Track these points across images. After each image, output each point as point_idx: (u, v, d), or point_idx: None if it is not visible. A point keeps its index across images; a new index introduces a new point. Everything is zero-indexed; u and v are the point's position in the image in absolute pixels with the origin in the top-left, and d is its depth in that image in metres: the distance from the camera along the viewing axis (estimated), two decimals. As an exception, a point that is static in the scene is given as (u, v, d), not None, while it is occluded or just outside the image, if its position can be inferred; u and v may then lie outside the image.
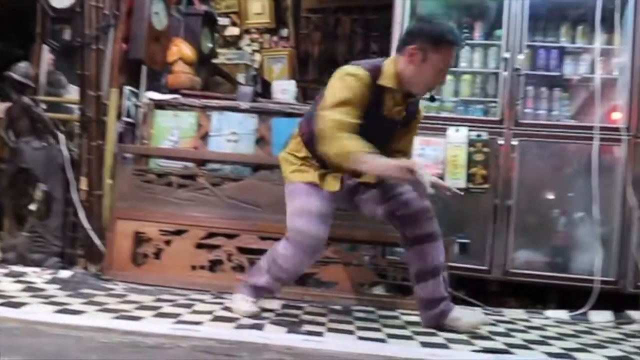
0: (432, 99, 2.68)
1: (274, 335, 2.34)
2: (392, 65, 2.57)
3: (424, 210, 2.69)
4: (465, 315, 2.73)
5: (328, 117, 2.47)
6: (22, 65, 3.72)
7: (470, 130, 3.70)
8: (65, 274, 3.30)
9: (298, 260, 2.62)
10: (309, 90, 5.50)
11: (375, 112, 2.57)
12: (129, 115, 3.78)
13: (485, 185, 3.66)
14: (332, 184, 2.67)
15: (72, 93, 3.89)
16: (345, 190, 2.74)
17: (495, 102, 3.81)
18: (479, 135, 3.69)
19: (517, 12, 3.75)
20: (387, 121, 2.65)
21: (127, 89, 3.73)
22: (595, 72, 3.73)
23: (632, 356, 2.43)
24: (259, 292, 2.77)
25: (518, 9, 3.75)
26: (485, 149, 3.67)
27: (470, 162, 3.65)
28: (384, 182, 2.70)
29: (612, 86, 3.74)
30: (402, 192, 2.69)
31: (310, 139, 2.65)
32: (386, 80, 2.55)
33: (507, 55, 3.74)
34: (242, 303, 2.72)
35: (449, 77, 3.86)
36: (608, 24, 3.76)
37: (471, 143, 3.67)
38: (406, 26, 3.86)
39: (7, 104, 3.78)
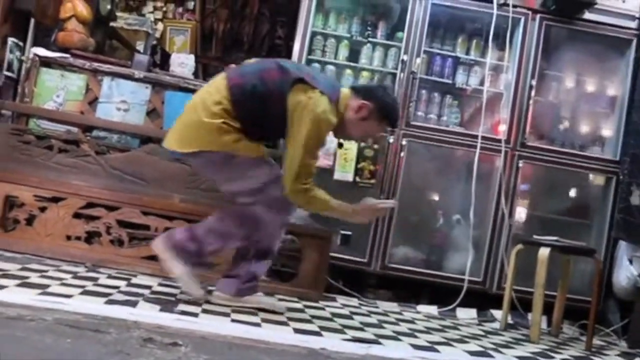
0: (340, 145, 2.91)
1: (146, 313, 2.28)
2: (344, 103, 2.66)
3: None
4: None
5: (305, 190, 2.60)
6: None
7: (364, 126, 3.77)
8: None
9: (281, 224, 2.75)
10: (210, 67, 5.40)
11: None
12: (10, 70, 3.53)
13: (372, 181, 3.76)
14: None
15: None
16: None
17: (390, 101, 3.91)
18: (371, 132, 3.78)
19: (419, 17, 3.87)
20: None
21: (11, 40, 3.48)
22: (484, 85, 3.93)
23: (489, 351, 2.60)
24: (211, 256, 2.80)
25: (420, 14, 3.87)
26: (375, 146, 3.78)
27: (360, 157, 3.74)
28: None
29: (498, 100, 3.97)
30: None
31: (245, 116, 2.59)
32: (337, 117, 2.63)
33: (405, 57, 3.86)
34: (189, 282, 2.69)
35: (349, 72, 3.98)
36: (500, 42, 3.98)
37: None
38: (312, 15, 3.89)
39: None
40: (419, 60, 3.86)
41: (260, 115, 2.58)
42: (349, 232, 3.69)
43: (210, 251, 2.72)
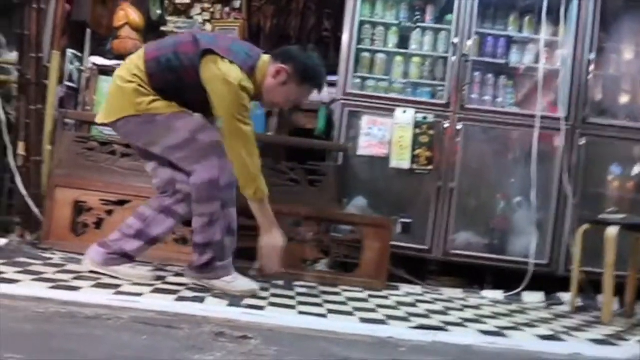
0: (268, 114, 2.95)
1: (215, 308, 2.33)
2: (263, 69, 2.64)
3: None
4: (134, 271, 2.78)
5: (253, 163, 2.58)
6: (-44, 21, 3.53)
7: (417, 112, 3.75)
8: (0, 241, 3.19)
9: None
10: (259, 64, 5.43)
11: None
12: (71, 80, 3.65)
13: (429, 167, 3.73)
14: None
15: (10, 53, 3.71)
16: None
17: (442, 85, 3.87)
18: (425, 118, 3.75)
19: (468, -2, 3.80)
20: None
21: (70, 52, 3.60)
22: (539, 63, 3.83)
23: (560, 335, 2.54)
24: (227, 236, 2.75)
25: (470, -5, 3.80)
26: (431, 132, 3.74)
27: (416, 144, 3.71)
28: None
29: (554, 77, 3.86)
30: None
31: (161, 88, 2.62)
32: (254, 88, 2.62)
33: (456, 40, 3.80)
34: (240, 282, 2.71)
35: (399, 59, 3.94)
36: (554, 17, 3.87)
37: (417, 125, 3.73)
38: (359, 5, 3.87)
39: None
40: (470, 42, 3.79)
41: (176, 87, 2.61)
42: (409, 220, 3.67)
43: (217, 243, 2.69)
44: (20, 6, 3.37)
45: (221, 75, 2.51)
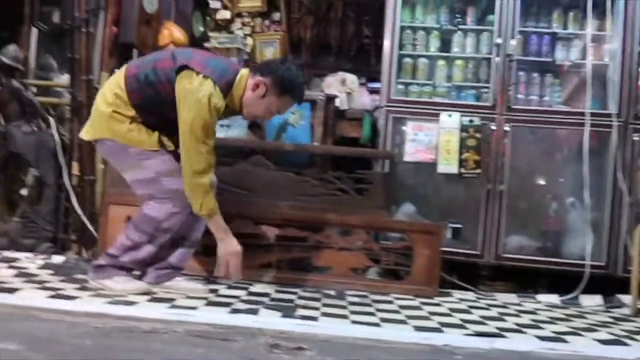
0: (257, 126, 3.08)
1: (269, 320, 2.35)
2: (242, 83, 2.66)
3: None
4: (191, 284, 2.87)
5: (197, 182, 2.57)
6: (11, 48, 3.67)
7: (462, 115, 3.71)
8: (58, 259, 3.29)
9: (184, 218, 2.68)
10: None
11: None
12: (120, 100, 3.74)
13: (478, 171, 3.67)
14: (170, 144, 2.74)
15: (62, 77, 3.84)
16: None
17: (487, 87, 3.82)
18: (471, 121, 3.70)
19: (511, -3, 3.74)
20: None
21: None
22: (587, 59, 3.74)
23: (623, 340, 2.46)
24: (138, 266, 2.79)
25: (512, -5, 3.74)
26: (478, 135, 3.68)
27: (463, 148, 3.67)
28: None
29: (603, 72, 3.75)
30: None
31: (140, 105, 2.66)
32: (235, 101, 2.67)
33: (499, 41, 3.74)
34: (126, 284, 2.72)
35: (442, 63, 3.91)
36: (600, 11, 3.77)
37: (464, 129, 3.68)
38: (399, 11, 3.86)
39: (-4, 88, 3.75)
40: (514, 42, 3.72)
41: (154, 104, 2.64)
42: (459, 225, 3.62)
43: (127, 264, 2.74)
44: (71, 31, 3.48)
45: (192, 89, 2.55)
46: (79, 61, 3.47)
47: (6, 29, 6.24)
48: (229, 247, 2.69)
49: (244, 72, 2.70)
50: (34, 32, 3.89)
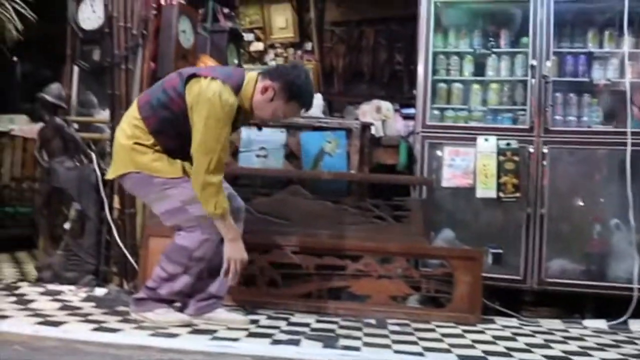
0: (259, 127, 3.06)
1: (311, 351, 2.34)
2: (250, 86, 2.69)
3: (237, 208, 2.85)
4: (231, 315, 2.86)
5: (209, 181, 2.59)
6: (54, 86, 3.78)
7: (499, 139, 3.67)
8: (100, 291, 3.33)
9: (215, 244, 2.71)
10: (335, 102, 5.52)
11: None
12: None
13: (517, 194, 3.62)
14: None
15: (103, 113, 3.94)
16: None
17: (524, 110, 3.78)
18: (508, 144, 3.66)
19: (543, 19, 3.72)
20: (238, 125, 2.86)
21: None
22: (624, 76, 3.68)
23: (678, 366, 2.37)
24: (176, 297, 2.81)
25: (544, 16, 3.72)
26: (516, 158, 3.64)
27: (501, 171, 3.62)
28: None
29: (642, 90, 3.69)
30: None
31: (157, 129, 2.69)
32: (244, 102, 2.70)
33: (534, 62, 3.71)
34: (167, 316, 2.75)
35: (476, 87, 3.89)
36: (636, 28, 3.73)
37: (501, 152, 3.64)
38: (431, 36, 3.86)
39: (39, 125, 3.85)
40: (549, 63, 3.69)
41: (171, 124, 2.67)
42: (500, 250, 3.56)
43: (165, 296, 2.76)
44: (110, 68, 3.58)
45: (201, 91, 2.59)
46: (119, 97, 3.56)
47: (49, 68, 6.48)
48: (237, 251, 2.70)
49: (252, 74, 2.75)
50: (75, 70, 4.00)
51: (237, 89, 2.66)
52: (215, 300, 2.83)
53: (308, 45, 5.76)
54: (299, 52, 5.75)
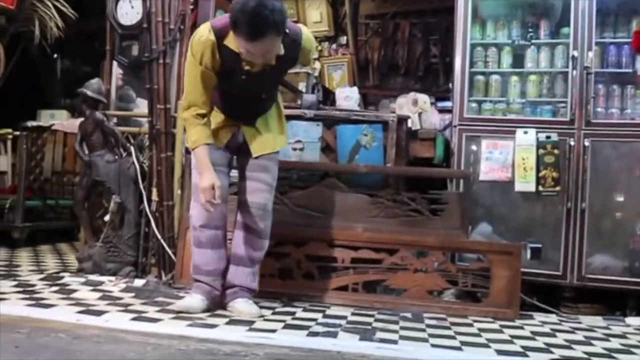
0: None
1: (348, 343, 2.34)
2: None
3: (254, 204, 2.83)
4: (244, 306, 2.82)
5: (181, 116, 2.85)
6: (94, 81, 3.85)
7: (539, 132, 3.60)
8: (139, 282, 3.40)
9: (207, 210, 2.76)
10: (369, 96, 5.49)
11: (236, 69, 2.67)
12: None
13: (557, 188, 3.55)
14: (223, 138, 2.86)
15: (141, 107, 4.00)
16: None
17: (564, 102, 3.70)
18: (548, 137, 3.59)
19: (585, 9, 3.63)
20: (254, 74, 2.70)
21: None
22: (671, 67, 3.57)
23: None
24: (200, 275, 2.88)
25: (586, 5, 3.62)
26: (556, 151, 3.57)
27: (541, 165, 3.55)
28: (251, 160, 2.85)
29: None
30: (252, 176, 2.85)
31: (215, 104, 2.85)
32: (232, 43, 2.61)
33: (575, 53, 3.62)
34: (185, 300, 2.83)
35: (515, 78, 3.82)
36: (682, 16, 3.61)
37: (541, 145, 3.57)
38: (469, 28, 3.81)
39: (80, 120, 3.93)
40: (591, 54, 3.60)
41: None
42: (539, 245, 3.50)
43: (195, 277, 2.89)
44: (149, 63, 3.63)
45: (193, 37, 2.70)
46: (157, 91, 3.60)
47: (88, 64, 6.61)
48: (202, 182, 2.68)
49: None
50: (115, 65, 4.07)
51: (223, 31, 2.60)
52: (237, 289, 2.86)
53: (343, 39, 5.73)
54: (334, 46, 5.74)
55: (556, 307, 3.45)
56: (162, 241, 3.54)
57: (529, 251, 3.49)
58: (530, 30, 3.86)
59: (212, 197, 2.66)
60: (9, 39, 5.46)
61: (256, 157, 2.86)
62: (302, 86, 5.02)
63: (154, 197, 3.60)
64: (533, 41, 3.84)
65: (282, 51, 2.63)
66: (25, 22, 5.46)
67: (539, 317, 3.24)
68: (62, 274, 3.59)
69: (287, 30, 2.62)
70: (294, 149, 3.66)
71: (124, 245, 3.67)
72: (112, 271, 3.60)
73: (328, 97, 4.71)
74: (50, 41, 5.52)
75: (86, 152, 3.83)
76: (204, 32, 2.63)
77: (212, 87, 2.73)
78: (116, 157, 3.78)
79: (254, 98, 2.82)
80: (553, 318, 3.25)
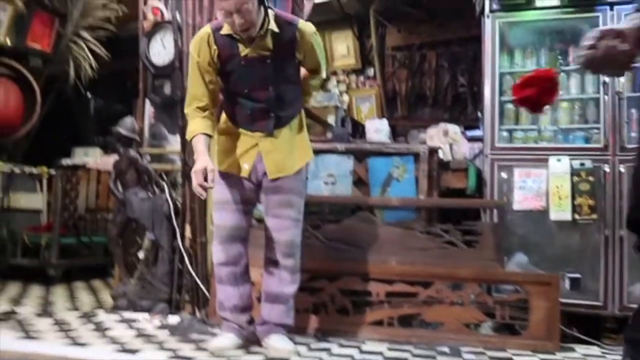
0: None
1: (386, 380, 2.29)
2: None
3: (281, 241, 2.78)
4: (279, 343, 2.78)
5: (185, 112, 2.86)
6: (128, 120, 3.92)
7: (572, 159, 3.55)
8: (173, 319, 3.40)
9: (230, 250, 2.83)
10: (398, 127, 5.49)
11: (234, 56, 2.70)
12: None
13: (593, 216, 3.48)
14: (242, 165, 2.82)
15: (174, 144, 4.05)
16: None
17: (597, 128, 3.65)
18: (582, 164, 3.54)
19: (615, 34, 3.60)
20: (253, 59, 2.70)
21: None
22: None
23: None
24: (225, 311, 2.91)
25: (616, 31, 3.60)
26: (591, 178, 3.51)
27: (576, 192, 3.50)
28: (274, 192, 2.79)
29: None
30: (276, 213, 2.80)
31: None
32: (226, 30, 2.68)
33: (606, 79, 3.59)
34: (218, 340, 2.84)
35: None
36: None
37: (575, 172, 3.52)
38: (497, 57, 3.80)
39: (113, 158, 4.00)
40: (622, 79, 3.56)
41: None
42: (577, 274, 3.42)
43: (221, 315, 2.92)
44: (180, 101, 3.68)
45: None
46: (189, 128, 3.65)
47: (120, 102, 6.75)
48: (195, 166, 2.67)
49: None
50: (147, 103, 4.15)
51: (219, 24, 2.71)
52: (270, 326, 2.83)
53: (370, 71, 5.76)
54: (362, 78, 5.77)
55: (598, 339, 3.35)
56: (195, 277, 3.55)
57: (567, 281, 3.42)
58: (559, 57, 3.85)
59: (203, 181, 2.62)
60: (45, 79, 5.64)
61: (275, 180, 2.78)
62: (331, 119, 5.05)
63: (187, 233, 3.63)
64: (562, 68, 3.81)
65: (271, 26, 2.68)
66: (60, 64, 5.63)
67: (580, 349, 3.15)
68: (96, 311, 3.62)
69: (280, 15, 2.76)
70: (326, 183, 3.67)
71: (158, 282, 3.68)
72: (146, 308, 3.61)
73: (357, 129, 4.73)
74: (84, 81, 5.68)
75: (120, 189, 3.88)
76: (202, 35, 2.76)
77: (214, 83, 2.79)
78: (150, 194, 3.83)
79: (263, 93, 2.74)
80: (595, 350, 3.16)
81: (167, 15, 4.04)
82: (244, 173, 2.79)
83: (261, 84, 2.73)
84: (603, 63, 1.47)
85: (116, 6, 5.58)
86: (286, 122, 2.81)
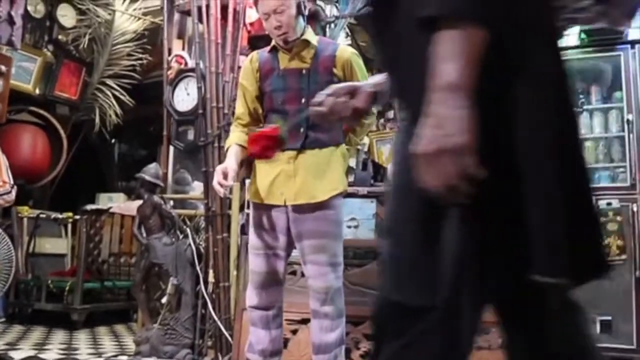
0: None
1: None
2: None
3: (316, 288, 2.70)
4: None
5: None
6: (152, 166, 3.97)
7: (598, 199, 3.50)
8: (196, 366, 3.37)
9: (262, 294, 2.77)
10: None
11: (274, 70, 2.72)
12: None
13: (623, 257, 3.41)
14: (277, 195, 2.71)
15: (197, 189, 4.09)
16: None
17: (623, 167, 3.62)
18: (609, 204, 3.49)
19: (637, 72, 3.60)
20: (291, 70, 2.70)
21: (249, 182, 3.87)
22: None
23: None
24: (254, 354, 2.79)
25: (637, 68, 3.60)
26: (618, 218, 3.46)
27: (604, 233, 3.44)
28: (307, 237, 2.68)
29: None
30: (308, 260, 2.70)
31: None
32: (269, 47, 2.75)
33: (630, 117, 3.57)
34: None
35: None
36: None
37: (602, 213, 3.47)
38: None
39: (137, 203, 4.04)
40: (649, 117, 3.54)
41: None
42: (608, 317, 3.34)
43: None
44: (204, 147, 3.74)
45: None
46: (212, 174, 3.68)
47: (144, 148, 6.87)
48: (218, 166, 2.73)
49: None
50: (171, 149, 4.21)
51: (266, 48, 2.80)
52: None
53: (390, 113, 5.76)
54: (382, 120, 5.74)
55: (633, 384, 3.25)
56: (218, 323, 3.53)
57: (598, 324, 3.33)
58: (581, 96, 3.84)
59: (222, 179, 2.62)
60: (71, 126, 5.77)
61: (300, 211, 2.65)
62: (352, 162, 5.05)
63: (211, 278, 3.62)
64: (585, 107, 3.80)
65: (309, 37, 2.71)
66: (86, 111, 5.77)
67: (614, 395, 3.05)
68: (119, 357, 3.60)
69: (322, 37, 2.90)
70: (349, 227, 3.64)
71: (181, 327, 3.67)
72: (169, 354, 3.59)
73: (379, 171, 4.72)
74: (109, 127, 5.79)
75: (144, 235, 3.90)
76: (249, 60, 2.84)
77: (255, 102, 2.81)
78: (173, 239, 3.85)
79: (296, 105, 2.66)
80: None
81: (191, 64, 4.14)
82: (278, 202, 2.67)
83: (295, 95, 2.67)
84: (331, 118, 1.54)
85: (141, 55, 5.72)
86: (318, 145, 2.65)
